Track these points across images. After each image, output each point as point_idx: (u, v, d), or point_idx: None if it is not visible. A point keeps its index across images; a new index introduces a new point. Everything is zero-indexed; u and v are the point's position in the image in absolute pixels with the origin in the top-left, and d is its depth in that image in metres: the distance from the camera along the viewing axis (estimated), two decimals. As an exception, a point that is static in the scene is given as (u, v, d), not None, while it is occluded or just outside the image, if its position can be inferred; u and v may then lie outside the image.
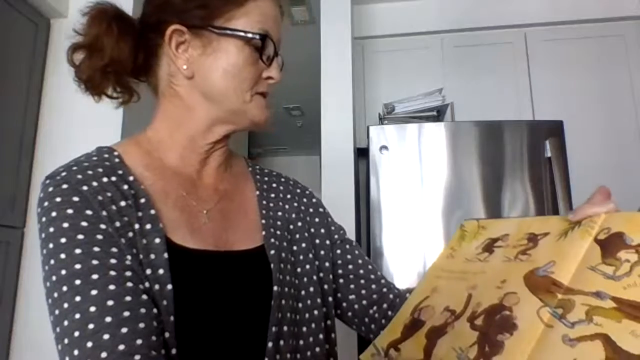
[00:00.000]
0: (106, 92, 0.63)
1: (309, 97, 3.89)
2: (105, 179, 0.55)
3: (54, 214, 0.51)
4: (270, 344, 0.56)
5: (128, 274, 0.50)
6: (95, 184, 0.54)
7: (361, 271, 0.72)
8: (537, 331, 0.42)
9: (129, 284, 0.49)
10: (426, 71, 2.48)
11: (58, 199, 0.52)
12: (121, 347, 0.46)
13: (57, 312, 0.48)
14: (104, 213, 0.52)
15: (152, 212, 0.56)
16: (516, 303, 0.46)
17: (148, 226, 0.54)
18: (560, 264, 0.47)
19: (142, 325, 0.47)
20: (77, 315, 0.47)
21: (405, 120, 2.16)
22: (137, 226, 0.54)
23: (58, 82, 2.02)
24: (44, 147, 1.98)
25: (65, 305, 0.48)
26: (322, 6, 2.28)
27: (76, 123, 1.97)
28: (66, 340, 0.47)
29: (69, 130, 1.97)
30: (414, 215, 1.85)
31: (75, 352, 0.46)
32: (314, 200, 0.77)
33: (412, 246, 1.84)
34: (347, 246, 0.74)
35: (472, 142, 1.88)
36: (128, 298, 0.48)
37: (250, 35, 0.59)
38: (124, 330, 0.46)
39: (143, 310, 0.48)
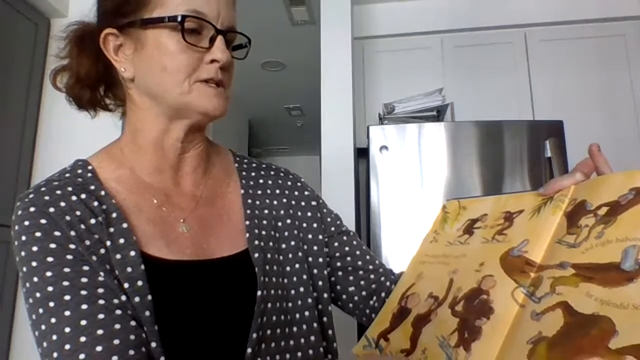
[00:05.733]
0: (96, 106, 0.66)
1: (309, 97, 3.89)
2: (74, 198, 0.55)
3: (23, 237, 0.52)
4: (249, 350, 0.55)
5: (100, 291, 0.50)
6: (63, 204, 0.54)
7: (359, 262, 0.71)
8: (512, 313, 0.42)
9: (101, 302, 0.50)
10: (426, 71, 2.48)
11: (26, 223, 0.52)
12: None
13: (37, 333, 0.50)
14: (72, 233, 0.52)
15: (125, 225, 0.55)
16: (493, 286, 0.46)
17: (121, 240, 0.54)
18: (534, 242, 0.47)
19: (116, 341, 0.48)
20: (54, 337, 0.48)
21: (405, 120, 2.16)
22: (108, 242, 0.53)
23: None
24: (44, 147, 1.98)
25: (43, 327, 0.49)
26: (322, 6, 2.28)
27: (76, 123, 1.96)
28: None
29: (69, 130, 1.97)
30: (414, 215, 1.85)
31: None
32: (306, 192, 0.73)
33: (412, 246, 1.83)
34: (344, 237, 0.72)
35: (472, 142, 1.88)
36: (101, 316, 0.49)
37: (167, 19, 0.56)
38: (99, 348, 0.47)
39: (117, 326, 0.49)
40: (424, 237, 0.63)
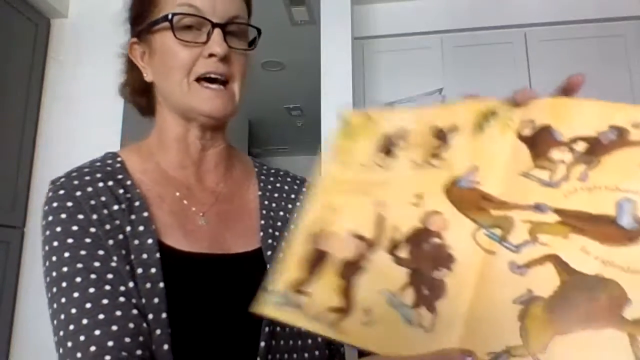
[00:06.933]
0: (154, 111, 0.67)
1: (309, 97, 3.89)
2: (101, 184, 0.58)
3: (50, 218, 0.55)
4: (262, 344, 0.56)
5: (109, 276, 0.52)
6: (90, 189, 0.57)
7: None
8: (479, 261, 0.35)
9: (107, 287, 0.51)
10: (426, 71, 2.48)
11: (55, 204, 0.56)
12: (92, 348, 0.48)
13: (50, 310, 0.53)
14: (95, 216, 0.55)
15: (145, 214, 0.57)
16: (444, 226, 0.37)
17: (141, 228, 0.56)
18: (485, 170, 0.38)
19: (115, 327, 0.49)
20: (62, 316, 0.50)
21: (405, 120, 2.16)
22: (128, 228, 0.55)
23: (58, 82, 2.02)
24: (44, 147, 1.98)
25: (55, 305, 0.52)
26: (322, 6, 2.28)
27: (76, 123, 1.97)
28: (56, 338, 0.51)
29: (69, 130, 1.97)
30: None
31: (61, 350, 0.50)
32: None
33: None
34: None
35: (472, 142, 1.88)
36: (105, 301, 0.50)
37: (161, 20, 0.58)
38: (97, 332, 0.49)
39: (118, 313, 0.50)
40: (321, 157, 0.49)
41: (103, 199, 0.56)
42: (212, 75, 0.58)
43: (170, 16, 0.57)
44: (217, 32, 0.57)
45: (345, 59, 2.20)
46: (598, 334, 0.30)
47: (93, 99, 1.94)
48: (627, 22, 2.38)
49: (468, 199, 0.38)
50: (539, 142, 0.38)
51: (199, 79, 0.58)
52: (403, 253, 0.38)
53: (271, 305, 0.40)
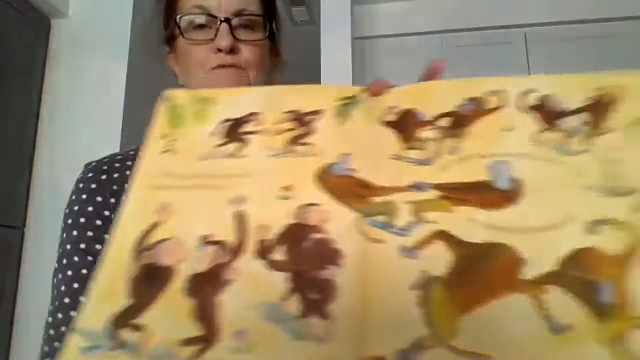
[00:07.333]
0: None
1: (309, 97, 3.89)
2: (128, 172, 0.59)
3: (73, 197, 0.58)
4: None
5: None
6: (116, 175, 0.58)
7: None
8: (366, 253, 0.32)
9: None
10: (426, 71, 2.48)
11: (80, 185, 0.58)
12: (63, 328, 0.50)
13: (53, 280, 0.55)
14: (112, 200, 0.56)
15: None
16: (325, 219, 0.33)
17: None
18: (360, 157, 0.36)
19: None
20: (55, 292, 0.53)
21: (405, 120, 2.16)
22: None
23: (58, 82, 2.02)
24: (43, 147, 1.98)
25: (55, 280, 0.54)
26: (322, 6, 2.28)
27: (76, 123, 1.97)
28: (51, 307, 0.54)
29: (69, 131, 1.97)
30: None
31: (50, 319, 0.52)
32: None
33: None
34: None
35: (472, 142, 1.88)
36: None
37: (173, 23, 0.61)
38: (73, 313, 0.50)
39: None
40: (145, 145, 0.40)
41: (126, 185, 0.57)
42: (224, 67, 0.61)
43: (177, 19, 0.59)
44: (223, 26, 0.59)
45: (345, 59, 2.20)
46: (502, 303, 0.28)
47: (93, 99, 1.94)
48: (627, 22, 2.38)
49: (345, 187, 0.35)
50: (405, 125, 0.37)
51: (214, 69, 0.61)
52: (278, 256, 0.32)
53: (77, 353, 0.30)
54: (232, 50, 0.59)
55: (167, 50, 0.66)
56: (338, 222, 0.33)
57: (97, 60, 1.93)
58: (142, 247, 0.34)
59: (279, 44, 0.70)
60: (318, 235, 0.32)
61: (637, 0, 2.36)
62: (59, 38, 2.03)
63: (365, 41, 2.57)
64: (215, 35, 0.59)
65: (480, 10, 2.49)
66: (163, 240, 0.34)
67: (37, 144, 1.97)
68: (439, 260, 0.30)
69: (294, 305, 0.30)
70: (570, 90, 0.36)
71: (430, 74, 0.43)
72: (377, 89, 0.40)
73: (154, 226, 0.35)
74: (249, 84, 0.61)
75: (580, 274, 0.29)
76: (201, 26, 0.60)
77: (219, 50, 0.59)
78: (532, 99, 0.37)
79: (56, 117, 1.99)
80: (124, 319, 0.31)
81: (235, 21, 0.60)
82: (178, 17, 0.59)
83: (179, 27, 0.60)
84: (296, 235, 0.33)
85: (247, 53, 0.61)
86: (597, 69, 2.34)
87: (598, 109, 0.35)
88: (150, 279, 0.32)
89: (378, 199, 0.34)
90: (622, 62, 2.35)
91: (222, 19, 0.59)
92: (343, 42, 2.23)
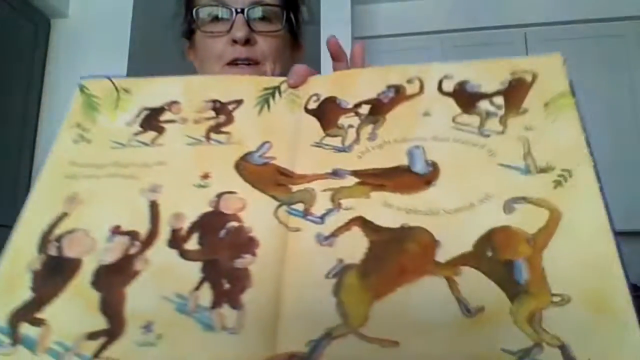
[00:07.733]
0: None
1: (309, 97, 3.89)
2: None
3: None
4: None
5: None
6: None
7: None
8: (284, 241, 0.31)
9: None
10: (426, 71, 2.48)
11: None
12: None
13: None
14: None
15: None
16: (242, 207, 0.33)
17: None
18: (279, 145, 0.36)
19: None
20: None
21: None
22: None
23: (58, 82, 2.02)
24: (43, 147, 1.98)
25: None
26: (322, 6, 2.28)
27: (76, 123, 1.96)
28: None
29: (69, 130, 1.96)
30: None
31: None
32: None
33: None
34: None
35: (472, 142, 1.88)
36: None
37: (189, 17, 0.61)
38: None
39: None
40: (58, 134, 0.40)
41: None
42: (239, 62, 0.59)
43: (194, 12, 0.60)
44: (239, 17, 0.58)
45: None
46: (416, 286, 0.28)
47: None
48: (627, 22, 2.38)
49: (264, 175, 0.35)
50: (326, 112, 0.38)
51: (229, 65, 0.60)
52: (191, 245, 0.32)
53: None
54: (248, 42, 0.58)
55: (187, 46, 0.66)
56: (256, 210, 0.33)
57: (97, 60, 1.93)
58: (47, 238, 0.33)
59: (300, 36, 0.68)
60: (234, 224, 0.32)
61: (637, 0, 2.37)
62: (59, 38, 2.03)
63: (365, 41, 2.57)
64: (231, 27, 0.58)
65: (480, 10, 2.50)
66: (70, 231, 0.33)
67: (37, 144, 1.97)
68: (355, 247, 0.30)
69: (205, 296, 0.29)
70: (486, 75, 0.37)
71: (354, 63, 0.45)
72: (295, 82, 0.40)
73: (62, 217, 0.34)
74: None
75: (494, 254, 0.29)
76: (218, 19, 0.59)
77: (235, 42, 0.58)
78: (449, 85, 0.37)
79: (56, 117, 1.99)
80: (25, 313, 0.30)
81: (253, 13, 0.59)
82: (195, 9, 0.59)
83: (196, 20, 0.60)
84: (211, 223, 0.32)
85: (263, 44, 0.60)
86: (597, 69, 2.34)
87: (512, 92, 0.36)
88: (54, 272, 0.32)
89: (297, 187, 0.34)
90: (622, 62, 2.35)
91: (238, 10, 0.58)
92: (343, 42, 2.22)
